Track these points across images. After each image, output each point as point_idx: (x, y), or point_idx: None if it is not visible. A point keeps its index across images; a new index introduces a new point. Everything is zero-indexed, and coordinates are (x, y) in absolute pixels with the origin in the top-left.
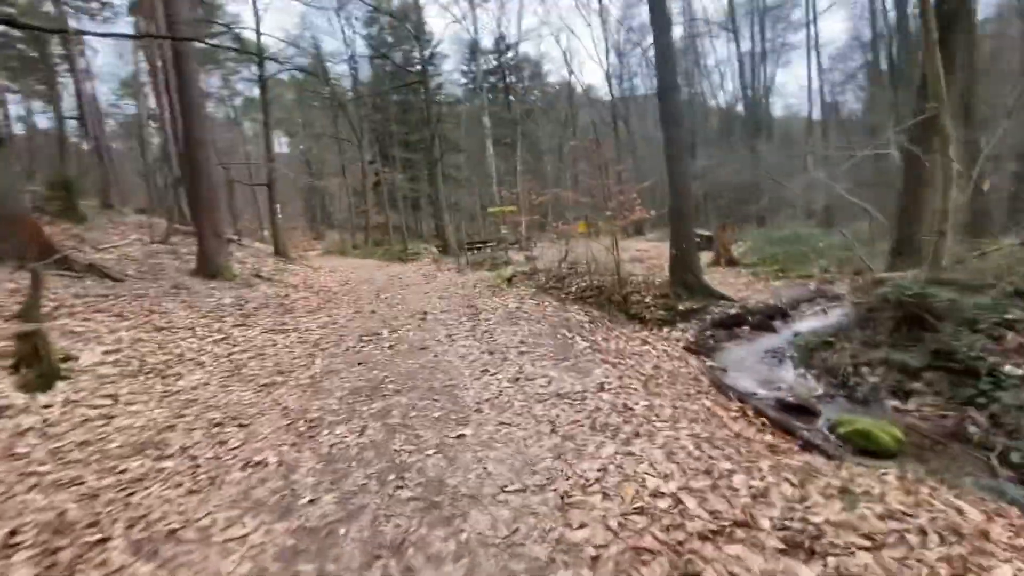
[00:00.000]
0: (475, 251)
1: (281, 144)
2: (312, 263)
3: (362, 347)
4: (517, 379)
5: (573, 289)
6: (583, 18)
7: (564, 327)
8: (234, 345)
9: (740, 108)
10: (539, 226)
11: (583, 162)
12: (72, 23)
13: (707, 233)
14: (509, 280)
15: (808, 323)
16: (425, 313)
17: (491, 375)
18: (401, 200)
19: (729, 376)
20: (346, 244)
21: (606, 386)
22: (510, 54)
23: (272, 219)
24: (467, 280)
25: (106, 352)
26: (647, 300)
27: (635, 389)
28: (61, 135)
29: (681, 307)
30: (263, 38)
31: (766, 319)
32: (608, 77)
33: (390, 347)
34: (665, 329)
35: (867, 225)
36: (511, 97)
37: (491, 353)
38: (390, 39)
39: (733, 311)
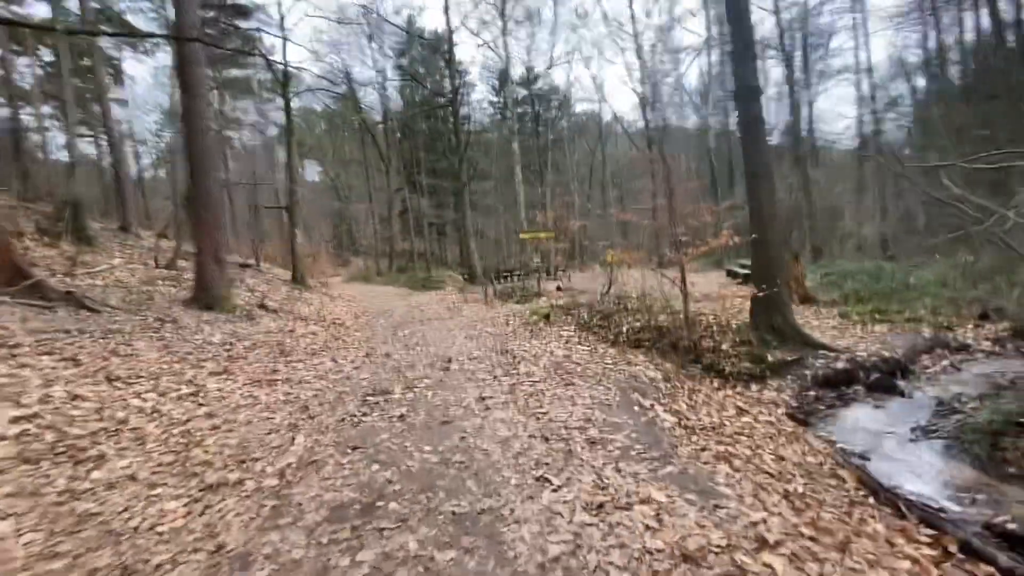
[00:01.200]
0: (503, 280)
1: (312, 173)
2: (331, 290)
3: (364, 415)
4: (601, 507)
5: (624, 329)
6: (616, 44)
7: (635, 389)
8: (200, 405)
9: (776, 135)
10: (570, 254)
11: (646, 177)
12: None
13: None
14: (547, 317)
15: (944, 384)
16: (449, 360)
17: (553, 490)
18: (427, 227)
19: (876, 468)
20: (370, 271)
21: (768, 538)
22: (539, 83)
23: (291, 244)
24: (497, 314)
25: (17, 419)
26: (724, 347)
27: (800, 530)
28: (71, 153)
29: (770, 358)
30: (292, 65)
31: (885, 376)
32: (643, 103)
33: (401, 417)
34: (754, 387)
35: (958, 260)
36: (540, 128)
37: (546, 439)
38: (421, 69)
39: (840, 365)
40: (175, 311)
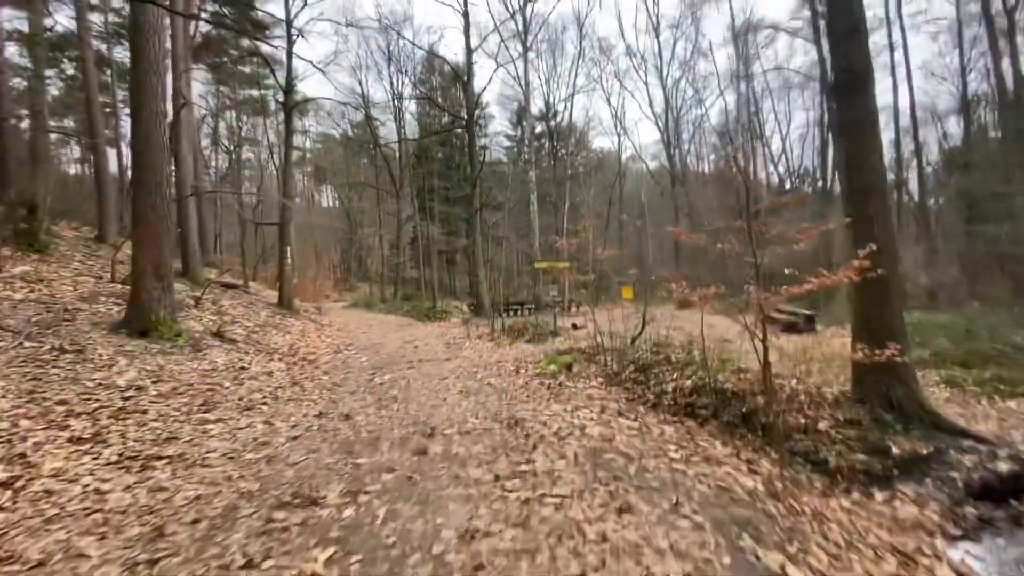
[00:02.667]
0: (512, 313)
1: (327, 199)
2: (323, 317)
3: (250, 559)
4: None
5: (670, 389)
6: (640, 77)
7: (737, 521)
8: (14, 501)
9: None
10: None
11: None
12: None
13: (808, 312)
14: (568, 367)
15: None
16: (431, 433)
17: None
18: (436, 255)
19: None
20: (374, 298)
21: None
22: (557, 118)
23: (280, 264)
24: (504, 356)
25: None
26: (821, 427)
27: None
28: (34, 149)
29: (894, 447)
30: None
31: None
32: (667, 138)
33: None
34: (878, 493)
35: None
36: (556, 162)
37: None
38: (440, 100)
39: (1002, 465)
40: (92, 337)
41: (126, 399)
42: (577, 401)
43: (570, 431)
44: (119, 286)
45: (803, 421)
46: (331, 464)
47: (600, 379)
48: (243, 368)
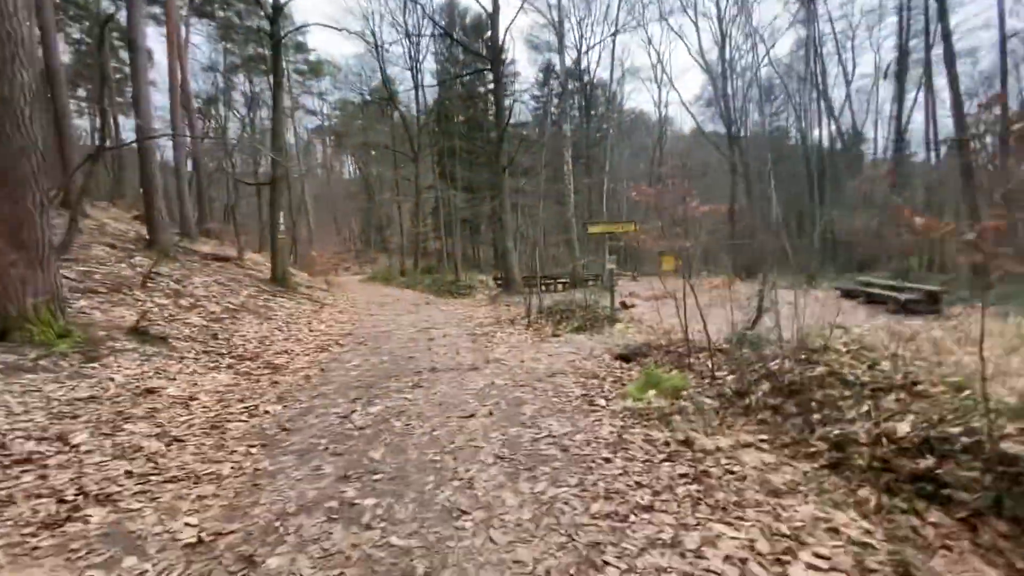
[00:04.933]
0: (545, 288)
1: (350, 170)
2: (329, 294)
3: None
4: None
5: (863, 436)
6: (689, 18)
7: None
8: None
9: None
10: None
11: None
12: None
13: (932, 288)
14: (676, 393)
15: None
16: None
17: None
18: (459, 225)
19: None
20: (393, 271)
21: None
22: (591, 71)
23: (271, 233)
24: (554, 359)
25: None
26: None
27: None
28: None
29: None
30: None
31: None
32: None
33: None
34: None
35: None
36: (589, 121)
37: None
38: (461, 56)
39: None
40: None
41: None
42: (756, 489)
43: None
44: None
45: None
46: None
47: (749, 418)
48: (148, 392)
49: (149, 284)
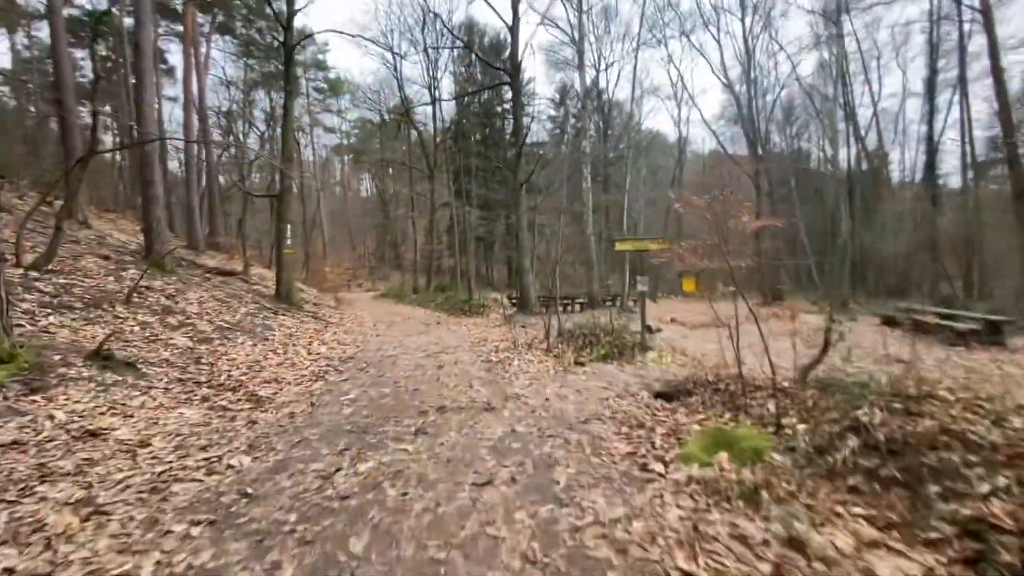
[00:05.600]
0: (563, 309)
1: (368, 188)
2: (337, 312)
3: None
4: None
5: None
6: (712, 36)
7: None
8: None
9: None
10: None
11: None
12: None
13: (994, 318)
14: (754, 457)
15: None
16: None
17: None
18: (473, 242)
19: None
20: (405, 288)
21: None
22: (609, 89)
23: (277, 247)
24: (584, 398)
25: None
26: None
27: None
28: None
29: None
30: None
31: None
32: (742, 108)
33: None
34: None
35: None
36: (606, 139)
37: None
38: (479, 75)
39: None
40: None
41: None
42: None
43: None
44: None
45: None
46: None
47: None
48: (91, 435)
49: (135, 299)
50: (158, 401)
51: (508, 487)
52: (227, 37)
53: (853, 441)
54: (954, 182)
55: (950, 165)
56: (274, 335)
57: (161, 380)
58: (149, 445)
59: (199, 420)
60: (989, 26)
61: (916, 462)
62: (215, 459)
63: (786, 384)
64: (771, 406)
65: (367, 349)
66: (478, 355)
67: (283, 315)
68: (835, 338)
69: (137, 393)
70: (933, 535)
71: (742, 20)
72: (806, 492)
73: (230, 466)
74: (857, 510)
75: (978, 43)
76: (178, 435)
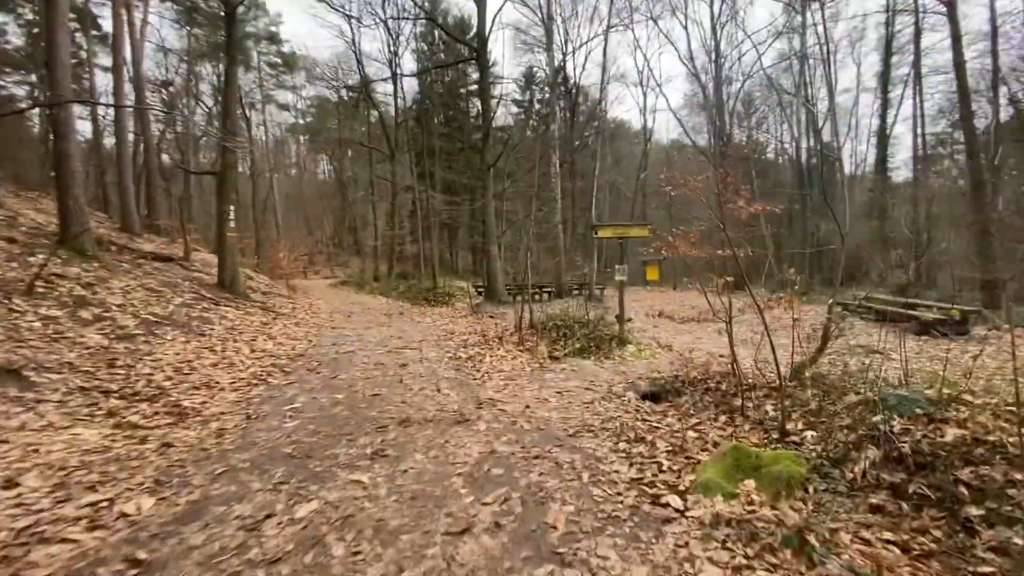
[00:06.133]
0: (535, 299)
1: (326, 170)
2: (286, 303)
3: None
4: None
5: None
6: (680, 23)
7: None
8: None
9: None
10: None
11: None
12: None
13: (968, 308)
14: (782, 486)
15: None
16: None
17: None
18: (437, 228)
19: None
20: (366, 275)
21: None
22: (577, 72)
23: (219, 229)
24: (568, 399)
25: None
26: None
27: None
28: None
29: None
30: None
31: None
32: (708, 95)
33: None
34: None
35: None
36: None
37: None
38: (442, 54)
39: None
40: None
41: None
42: None
43: None
44: None
45: None
46: None
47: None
48: None
49: (40, 289)
50: (46, 419)
51: (491, 536)
52: (167, 1)
53: (872, 452)
54: (901, 175)
55: (899, 159)
56: (213, 330)
57: (56, 391)
58: (17, 485)
59: (97, 444)
60: (953, 18)
61: (949, 478)
62: (105, 504)
63: (780, 382)
64: (769, 408)
65: (321, 344)
66: (445, 351)
67: (226, 306)
68: (835, 332)
69: (18, 410)
70: (984, 568)
71: (710, 6)
72: (824, 511)
73: (123, 515)
74: (887, 535)
75: (932, 39)
76: (62, 468)
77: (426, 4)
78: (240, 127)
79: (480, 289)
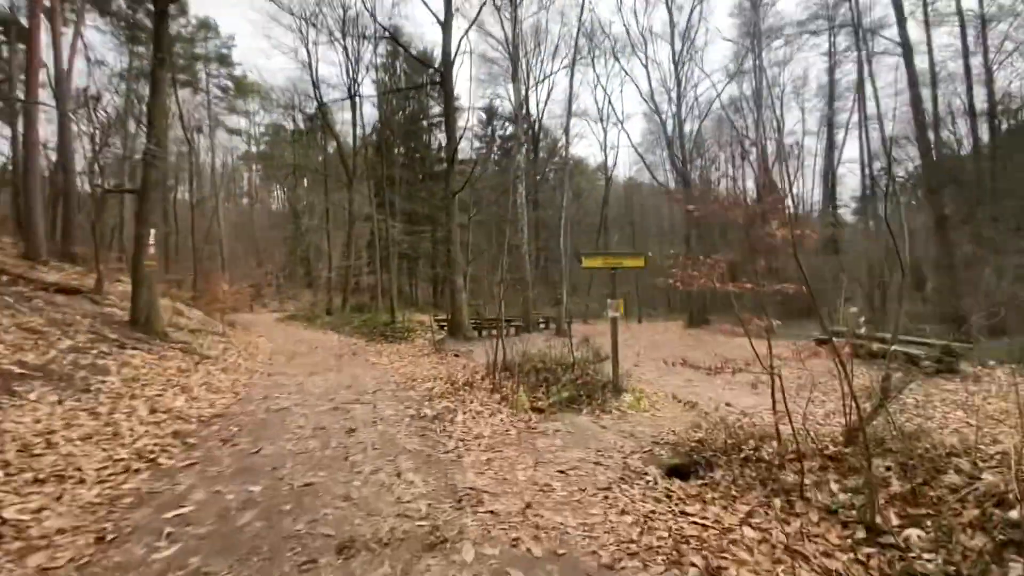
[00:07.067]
0: (497, 333)
1: (280, 201)
2: (218, 343)
3: None
4: None
5: None
6: (640, 62)
7: None
8: None
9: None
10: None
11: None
12: None
13: (956, 345)
14: None
15: None
16: None
17: None
18: (396, 259)
19: None
20: (317, 308)
21: None
22: (539, 109)
23: (135, 258)
24: (574, 485)
25: None
26: None
27: None
28: None
29: None
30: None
31: None
32: (668, 132)
33: None
34: None
35: None
36: (536, 159)
37: None
38: (403, 80)
39: None
40: None
41: None
42: None
43: None
44: None
45: None
46: None
47: None
48: None
49: None
50: None
51: None
52: (105, 18)
53: (1019, 569)
54: (846, 214)
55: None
56: (104, 383)
57: None
58: None
59: None
60: (908, 58)
61: None
62: None
63: (834, 448)
64: (833, 486)
65: (249, 399)
66: (406, 405)
67: (134, 349)
68: (896, 387)
69: None
70: None
71: (671, 44)
72: None
73: None
74: None
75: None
76: None
77: (390, 24)
78: (168, 144)
79: (443, 323)
